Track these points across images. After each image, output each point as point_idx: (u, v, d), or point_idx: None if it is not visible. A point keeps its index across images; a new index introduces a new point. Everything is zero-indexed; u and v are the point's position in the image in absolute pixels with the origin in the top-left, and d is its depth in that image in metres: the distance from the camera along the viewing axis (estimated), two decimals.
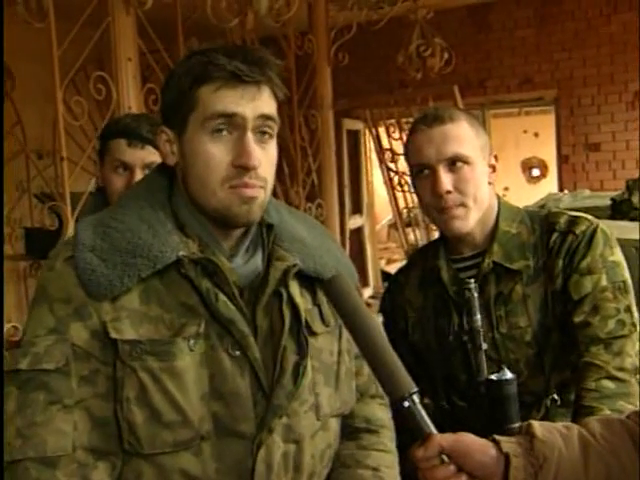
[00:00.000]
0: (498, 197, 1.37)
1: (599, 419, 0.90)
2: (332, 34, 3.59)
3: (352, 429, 1.08)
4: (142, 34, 2.41)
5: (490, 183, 1.33)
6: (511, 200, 1.43)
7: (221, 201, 0.92)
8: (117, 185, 1.56)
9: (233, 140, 0.92)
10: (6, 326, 2.03)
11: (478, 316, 1.23)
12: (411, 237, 5.37)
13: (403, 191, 5.13)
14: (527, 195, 6.25)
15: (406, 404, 0.84)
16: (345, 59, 3.58)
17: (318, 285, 1.01)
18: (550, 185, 6.88)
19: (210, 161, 0.91)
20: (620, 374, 1.17)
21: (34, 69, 2.77)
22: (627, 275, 1.27)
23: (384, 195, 5.68)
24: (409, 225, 5.42)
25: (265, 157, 0.93)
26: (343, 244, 4.84)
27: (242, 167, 0.91)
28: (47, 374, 0.86)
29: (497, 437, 0.86)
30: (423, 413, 0.85)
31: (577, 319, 1.23)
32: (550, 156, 6.52)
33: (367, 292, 5.57)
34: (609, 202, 2.81)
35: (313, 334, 0.98)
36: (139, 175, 1.53)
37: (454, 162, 1.27)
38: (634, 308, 1.24)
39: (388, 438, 1.09)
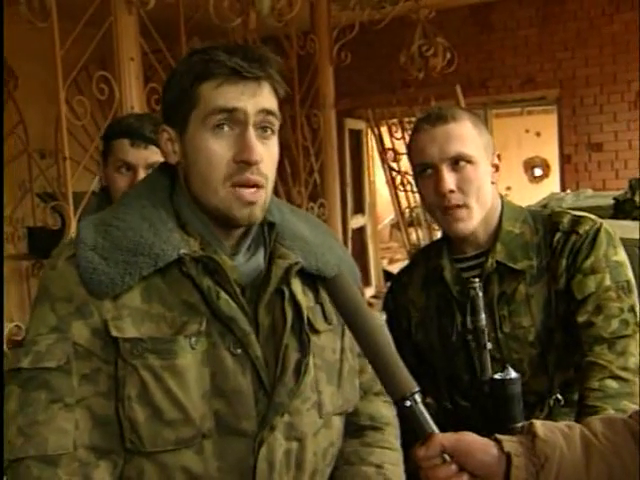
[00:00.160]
0: (501, 197, 1.37)
1: (601, 418, 0.90)
2: (334, 34, 3.59)
3: (356, 427, 1.07)
4: (144, 34, 2.41)
5: (493, 183, 1.33)
6: (513, 200, 1.43)
7: (222, 200, 0.92)
8: (120, 185, 1.56)
9: (235, 136, 0.92)
10: (9, 325, 2.03)
11: (482, 315, 1.23)
12: (413, 237, 5.36)
13: (405, 191, 5.13)
14: (529, 195, 6.24)
15: (408, 404, 0.84)
16: (347, 59, 3.58)
17: (320, 283, 1.01)
18: (552, 185, 6.89)
19: (212, 158, 0.91)
20: (624, 374, 1.17)
21: (37, 69, 2.78)
22: (631, 275, 1.27)
23: (386, 195, 5.68)
24: (411, 225, 5.41)
25: (267, 153, 0.93)
26: (345, 244, 4.84)
27: (244, 162, 0.91)
28: (48, 372, 0.86)
29: (499, 436, 0.86)
30: (425, 413, 0.85)
31: (580, 319, 1.23)
32: (552, 156, 6.52)
33: (369, 292, 5.58)
34: (612, 202, 2.80)
35: (315, 332, 0.98)
36: (142, 175, 1.53)
37: (457, 161, 1.27)
38: (638, 308, 1.24)
39: (393, 435, 1.08)
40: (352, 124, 5.61)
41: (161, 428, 0.88)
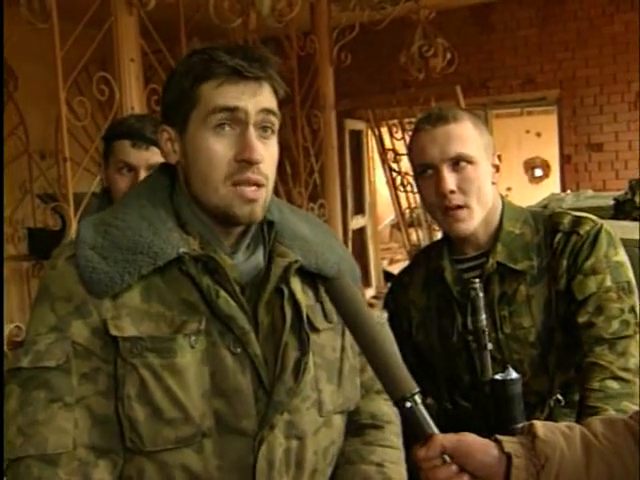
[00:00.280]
0: (502, 197, 1.37)
1: (602, 419, 0.90)
2: (334, 34, 3.59)
3: (358, 425, 1.07)
4: (145, 34, 2.41)
5: (493, 183, 1.33)
6: (514, 200, 1.43)
7: (223, 199, 0.92)
8: (121, 186, 1.56)
9: (235, 135, 0.92)
10: (9, 326, 2.03)
11: (483, 316, 1.23)
12: (413, 237, 5.37)
13: (405, 191, 5.13)
14: (530, 195, 6.25)
15: (408, 404, 0.85)
16: (347, 59, 3.58)
17: (320, 282, 1.01)
18: (553, 185, 6.89)
19: (213, 157, 0.92)
20: (624, 374, 1.17)
21: (37, 70, 2.78)
22: (631, 275, 1.27)
23: (386, 195, 5.69)
24: (411, 225, 5.42)
25: (267, 153, 0.94)
26: (345, 244, 4.83)
27: (245, 161, 0.91)
28: (48, 372, 0.86)
29: (499, 437, 0.86)
30: (425, 413, 0.85)
31: (581, 319, 1.23)
32: (553, 156, 6.52)
33: (369, 292, 5.58)
34: (612, 202, 2.80)
35: (315, 330, 0.98)
36: (143, 176, 1.52)
37: (457, 162, 1.27)
38: (638, 308, 1.24)
39: (394, 434, 1.08)
40: (352, 125, 5.61)
41: (161, 427, 0.88)
